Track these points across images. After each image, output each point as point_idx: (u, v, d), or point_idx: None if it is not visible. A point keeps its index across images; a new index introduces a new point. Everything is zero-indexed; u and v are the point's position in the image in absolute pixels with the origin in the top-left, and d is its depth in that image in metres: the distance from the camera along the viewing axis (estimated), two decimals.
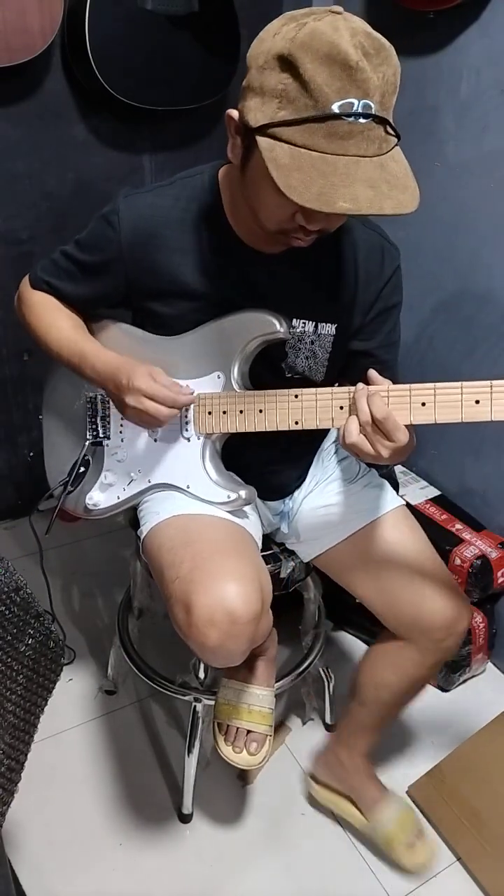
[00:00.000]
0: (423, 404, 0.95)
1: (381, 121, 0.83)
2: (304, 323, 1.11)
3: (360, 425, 0.95)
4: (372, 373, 0.98)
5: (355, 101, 0.79)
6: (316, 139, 0.81)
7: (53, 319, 1.16)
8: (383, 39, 0.83)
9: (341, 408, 1.00)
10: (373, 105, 0.81)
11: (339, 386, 1.04)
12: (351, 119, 0.80)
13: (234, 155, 0.95)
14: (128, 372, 1.05)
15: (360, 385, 0.96)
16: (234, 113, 0.90)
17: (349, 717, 1.35)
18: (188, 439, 1.12)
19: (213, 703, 1.29)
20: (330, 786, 1.41)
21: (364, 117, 0.81)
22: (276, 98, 0.82)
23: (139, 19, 1.61)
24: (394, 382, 1.16)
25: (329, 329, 1.12)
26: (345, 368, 1.18)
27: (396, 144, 0.86)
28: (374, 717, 1.30)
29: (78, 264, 1.13)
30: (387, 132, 0.84)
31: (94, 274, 1.12)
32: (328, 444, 1.35)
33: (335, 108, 0.79)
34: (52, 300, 1.18)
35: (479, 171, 1.54)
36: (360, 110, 0.80)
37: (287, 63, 0.81)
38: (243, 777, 1.48)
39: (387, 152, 0.85)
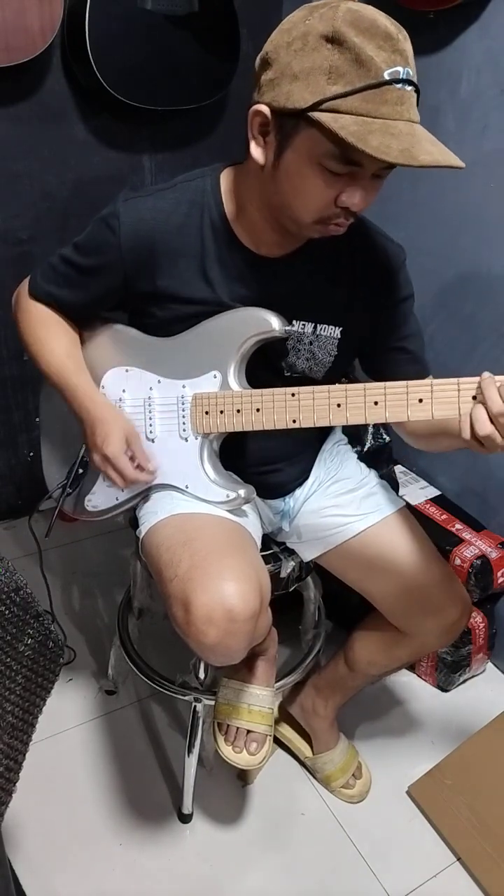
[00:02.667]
0: None
1: (417, 90, 0.87)
2: (304, 324, 1.11)
3: (493, 416, 0.89)
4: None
5: (401, 69, 0.84)
6: (375, 106, 0.84)
7: (48, 339, 1.16)
8: None
9: (338, 406, 0.99)
10: (412, 73, 0.85)
11: (339, 383, 1.04)
12: (399, 85, 0.84)
13: (263, 152, 0.95)
14: (105, 433, 1.10)
15: (486, 374, 0.91)
16: (263, 107, 0.91)
17: (335, 674, 1.41)
18: (186, 439, 1.12)
19: (213, 703, 1.29)
20: (292, 718, 1.51)
21: (408, 84, 0.85)
22: (323, 75, 0.84)
23: (139, 19, 1.61)
24: (425, 371, 1.18)
25: (331, 331, 1.12)
26: (380, 367, 1.19)
27: None
28: (358, 683, 1.40)
29: (76, 268, 1.13)
30: (418, 102, 0.88)
31: (93, 278, 1.12)
32: (329, 444, 1.35)
33: (386, 75, 0.83)
34: (50, 314, 1.17)
35: (479, 171, 1.54)
36: (404, 76, 0.84)
37: (332, 40, 0.83)
38: (243, 777, 1.48)
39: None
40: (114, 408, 1.14)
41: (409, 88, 0.85)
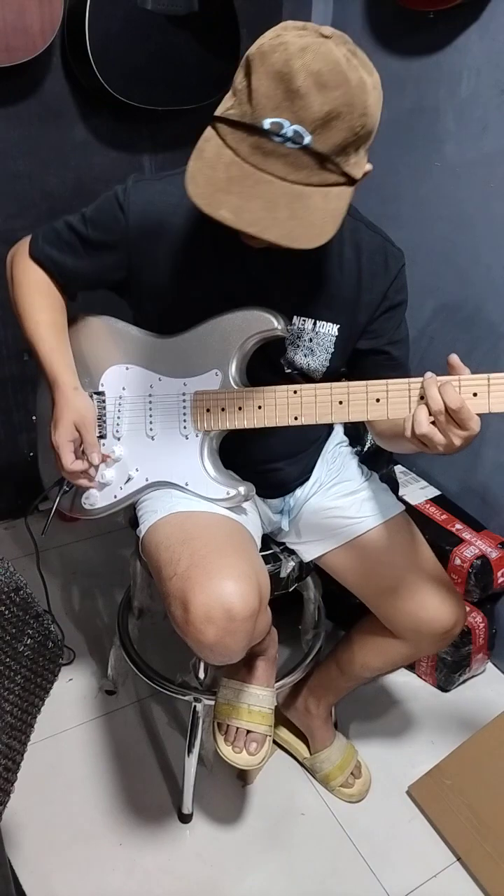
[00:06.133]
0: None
1: (318, 155, 0.81)
2: (304, 320, 1.11)
3: (432, 414, 0.92)
4: (453, 357, 0.94)
5: (285, 123, 0.80)
6: (242, 146, 0.83)
7: (41, 307, 1.15)
8: (359, 78, 0.81)
9: (340, 403, 0.99)
10: (306, 135, 0.80)
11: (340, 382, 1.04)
12: (278, 139, 0.80)
13: None
14: (57, 418, 1.09)
15: (429, 374, 0.94)
16: None
17: (327, 676, 1.42)
18: (186, 437, 1.12)
19: (213, 703, 1.29)
20: (288, 720, 1.52)
21: (293, 143, 0.80)
22: (234, 96, 0.84)
23: (139, 19, 1.61)
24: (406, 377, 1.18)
25: (329, 329, 1.12)
26: (361, 367, 1.19)
27: (341, 185, 0.85)
28: (350, 685, 1.41)
29: (81, 239, 1.12)
30: (326, 168, 0.83)
31: (97, 251, 1.11)
32: (331, 445, 1.35)
33: (266, 123, 0.80)
34: (49, 284, 1.16)
35: (479, 171, 1.54)
36: (289, 134, 0.80)
37: (248, 67, 0.82)
38: (243, 777, 1.48)
39: (318, 185, 0.84)
40: (73, 392, 1.11)
41: (290, 146, 0.80)
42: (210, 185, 0.82)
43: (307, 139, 0.80)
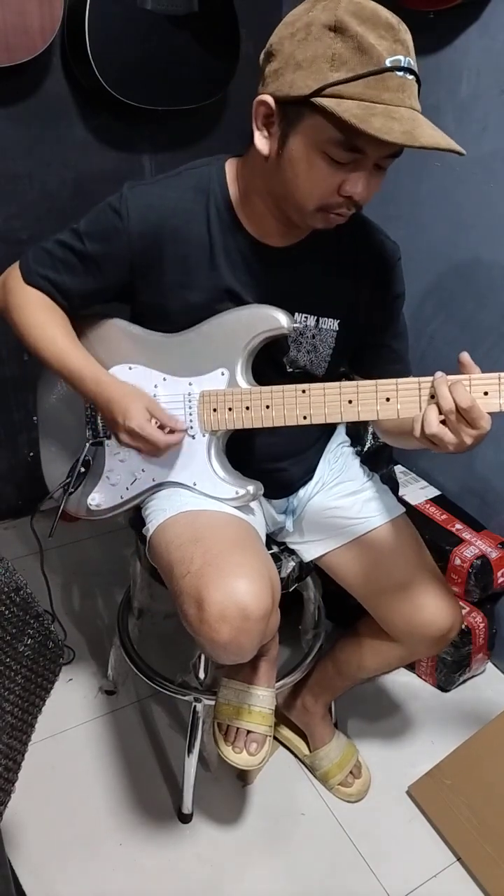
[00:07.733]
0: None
1: (419, 81, 0.89)
2: (306, 317, 1.11)
3: (443, 414, 0.92)
4: (463, 356, 0.95)
5: (402, 58, 0.86)
6: (377, 92, 0.85)
7: (48, 325, 1.11)
8: None
9: (350, 402, 0.99)
10: (412, 63, 0.87)
11: (346, 380, 1.05)
12: (401, 73, 0.85)
13: (267, 143, 0.96)
14: (123, 409, 1.06)
15: (439, 373, 0.94)
16: (268, 98, 0.92)
17: (324, 676, 1.43)
18: (193, 437, 1.12)
19: (213, 703, 1.29)
20: (289, 718, 1.52)
21: (410, 73, 0.87)
22: (326, 62, 0.86)
23: (139, 19, 1.61)
24: (407, 371, 1.20)
25: (331, 324, 1.13)
26: (363, 363, 1.20)
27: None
28: (346, 685, 1.42)
29: (78, 255, 1.09)
30: (419, 96, 0.90)
31: (97, 265, 1.09)
32: (333, 445, 1.36)
33: (388, 62, 0.85)
34: (47, 300, 1.13)
35: (479, 171, 1.54)
36: (406, 65, 0.86)
37: (335, 28, 0.85)
38: (243, 777, 1.48)
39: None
40: (125, 383, 1.10)
41: (410, 77, 0.87)
42: (392, 128, 0.84)
43: (413, 66, 0.87)
